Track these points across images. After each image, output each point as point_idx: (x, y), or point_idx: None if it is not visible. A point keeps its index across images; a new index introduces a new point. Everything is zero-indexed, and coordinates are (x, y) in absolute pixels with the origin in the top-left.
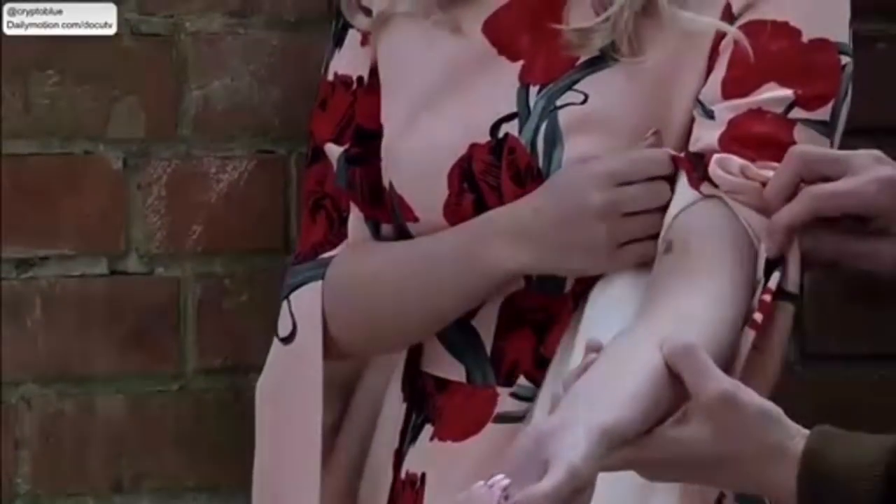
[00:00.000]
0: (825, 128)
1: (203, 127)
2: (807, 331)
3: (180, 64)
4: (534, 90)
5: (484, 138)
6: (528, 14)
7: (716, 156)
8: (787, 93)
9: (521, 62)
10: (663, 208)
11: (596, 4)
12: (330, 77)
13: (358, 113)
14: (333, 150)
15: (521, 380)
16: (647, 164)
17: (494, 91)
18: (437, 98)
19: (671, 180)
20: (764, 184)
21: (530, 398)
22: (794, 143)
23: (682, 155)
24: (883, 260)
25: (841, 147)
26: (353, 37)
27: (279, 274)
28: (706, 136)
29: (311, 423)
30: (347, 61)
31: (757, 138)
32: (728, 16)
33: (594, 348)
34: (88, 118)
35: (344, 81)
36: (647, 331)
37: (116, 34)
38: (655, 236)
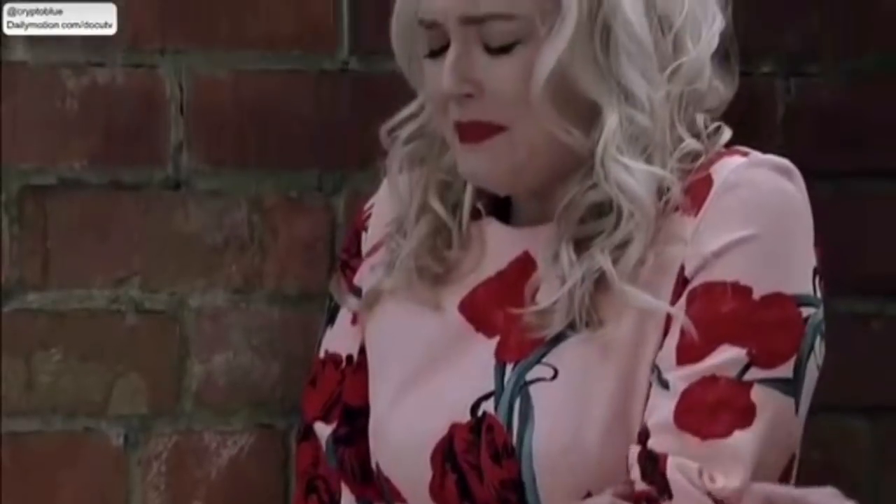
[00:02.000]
0: (788, 385)
1: (204, 402)
2: None
3: (183, 340)
4: (509, 367)
5: (464, 418)
6: (502, 290)
7: (671, 460)
8: (741, 353)
9: (496, 338)
10: None
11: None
12: (321, 354)
13: (346, 391)
14: (322, 430)
15: None
16: None
17: (473, 369)
18: (419, 379)
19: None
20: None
21: None
22: (752, 405)
23: (637, 481)
24: None
25: (838, 427)
26: (344, 315)
27: None
28: (661, 406)
29: None
30: (338, 339)
31: (710, 407)
32: (682, 280)
33: None
34: (91, 395)
35: (334, 360)
36: None
37: (119, 311)
38: None
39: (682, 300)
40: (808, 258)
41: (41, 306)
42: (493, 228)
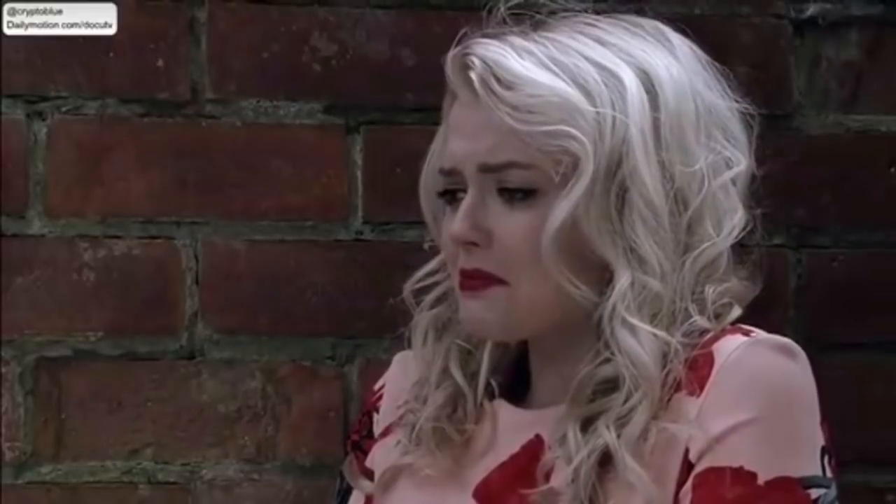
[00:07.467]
0: None
1: None
2: None
3: None
4: None
5: None
6: (515, 474)
7: None
8: None
9: None
10: None
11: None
12: None
13: None
14: None
15: None
16: None
17: None
18: None
19: None
20: None
21: None
22: None
23: None
24: None
25: None
26: (357, 497)
27: None
28: None
29: None
30: None
31: None
32: (687, 463)
33: None
34: None
35: None
36: None
37: (132, 483)
38: None
39: (688, 485)
40: (813, 438)
41: (54, 479)
42: (506, 411)
